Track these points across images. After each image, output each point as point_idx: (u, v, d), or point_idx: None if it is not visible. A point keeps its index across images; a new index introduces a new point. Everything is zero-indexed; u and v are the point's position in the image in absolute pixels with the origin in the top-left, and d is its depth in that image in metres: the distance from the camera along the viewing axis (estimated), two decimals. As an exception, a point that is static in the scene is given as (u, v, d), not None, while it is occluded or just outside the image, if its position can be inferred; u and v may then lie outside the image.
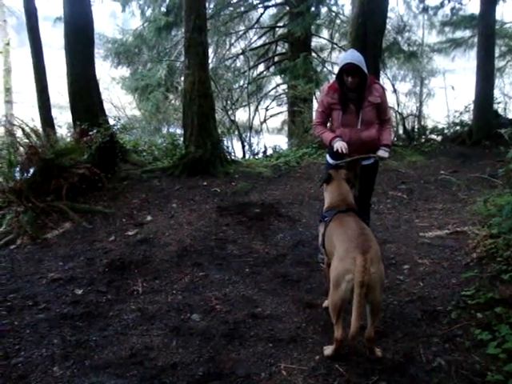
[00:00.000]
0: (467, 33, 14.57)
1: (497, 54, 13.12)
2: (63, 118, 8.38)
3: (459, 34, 14.89)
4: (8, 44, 16.82)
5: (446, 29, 14.82)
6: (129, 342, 3.28)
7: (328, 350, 3.01)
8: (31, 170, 6.04)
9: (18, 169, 6.07)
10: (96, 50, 8.41)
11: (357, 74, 3.78)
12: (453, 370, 2.83)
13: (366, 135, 3.98)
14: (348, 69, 3.77)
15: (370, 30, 10.08)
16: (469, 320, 3.37)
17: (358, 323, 2.66)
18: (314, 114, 4.04)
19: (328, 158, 4.28)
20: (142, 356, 3.11)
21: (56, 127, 7.79)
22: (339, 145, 3.88)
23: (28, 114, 7.08)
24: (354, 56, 3.83)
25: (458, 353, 3.01)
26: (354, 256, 2.77)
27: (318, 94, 12.95)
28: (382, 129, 4.09)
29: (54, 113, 8.01)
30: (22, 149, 6.08)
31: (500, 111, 13.03)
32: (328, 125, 4.23)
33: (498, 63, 14.37)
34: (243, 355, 3.10)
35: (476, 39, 12.61)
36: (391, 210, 6.46)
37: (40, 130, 6.73)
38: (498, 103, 13.01)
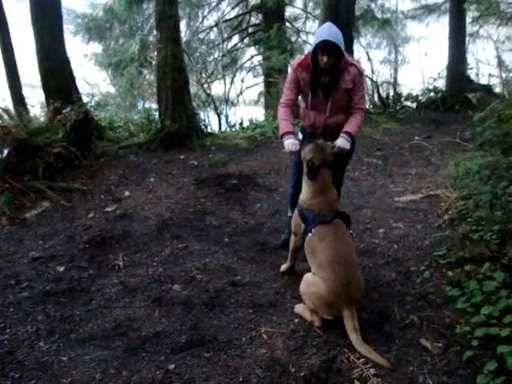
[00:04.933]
0: (440, -2, 14.58)
1: (469, 20, 13.17)
2: (35, 97, 8.24)
3: (433, -1, 14.90)
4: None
5: (420, -5, 14.81)
6: (112, 315, 3.34)
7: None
8: (5, 151, 5.98)
9: (-9, 150, 6.01)
10: (65, 26, 8.25)
11: (334, 53, 3.30)
12: (425, 325, 2.96)
13: (333, 121, 3.61)
14: (324, 47, 3.27)
15: (342, -3, 10.04)
16: (440, 278, 3.50)
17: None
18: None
19: (300, 135, 3.80)
20: (126, 327, 3.17)
21: (29, 107, 7.67)
22: (287, 145, 3.43)
23: (-3, 94, 6.97)
24: (331, 32, 3.29)
25: (430, 309, 3.14)
26: (341, 307, 2.86)
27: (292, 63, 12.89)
28: (351, 115, 3.58)
29: (26, 92, 7.87)
30: (-6, 130, 6.00)
31: (473, 77, 13.17)
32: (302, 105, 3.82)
33: (472, 28, 14.43)
34: (224, 322, 3.18)
35: (448, 5, 12.64)
36: (367, 176, 6.57)
37: (12, 109, 6.63)
38: (471, 69, 13.14)
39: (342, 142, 3.42)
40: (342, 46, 3.31)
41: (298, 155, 3.59)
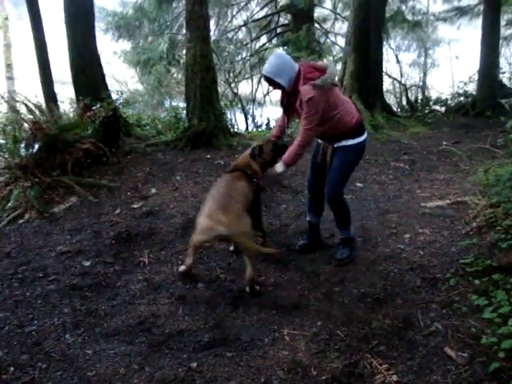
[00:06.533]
0: (473, 0, 14.32)
1: (503, 23, 12.94)
2: (65, 94, 8.36)
3: (465, 1, 14.66)
4: (7, 18, 16.57)
5: (452, -4, 14.59)
6: (136, 311, 3.39)
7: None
8: (36, 146, 6.09)
9: (22, 145, 6.11)
10: (96, 24, 8.32)
11: (273, 84, 3.61)
12: (449, 333, 2.92)
13: None
14: (265, 79, 3.64)
15: (372, -1, 9.97)
16: (467, 287, 3.44)
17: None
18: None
19: None
20: (150, 323, 3.21)
21: (59, 103, 7.78)
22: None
23: (30, 90, 7.09)
24: (272, 64, 3.50)
25: (455, 318, 3.09)
26: (219, 218, 3.33)
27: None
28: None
29: (57, 88, 7.96)
30: (26, 125, 6.11)
31: (505, 81, 12.91)
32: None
33: (505, 32, 14.16)
34: (247, 322, 3.20)
35: (482, 7, 12.41)
36: (393, 180, 6.51)
37: (43, 105, 6.75)
38: (503, 73, 12.88)
39: (275, 166, 3.81)
40: (281, 78, 3.48)
41: (313, 156, 4.02)
